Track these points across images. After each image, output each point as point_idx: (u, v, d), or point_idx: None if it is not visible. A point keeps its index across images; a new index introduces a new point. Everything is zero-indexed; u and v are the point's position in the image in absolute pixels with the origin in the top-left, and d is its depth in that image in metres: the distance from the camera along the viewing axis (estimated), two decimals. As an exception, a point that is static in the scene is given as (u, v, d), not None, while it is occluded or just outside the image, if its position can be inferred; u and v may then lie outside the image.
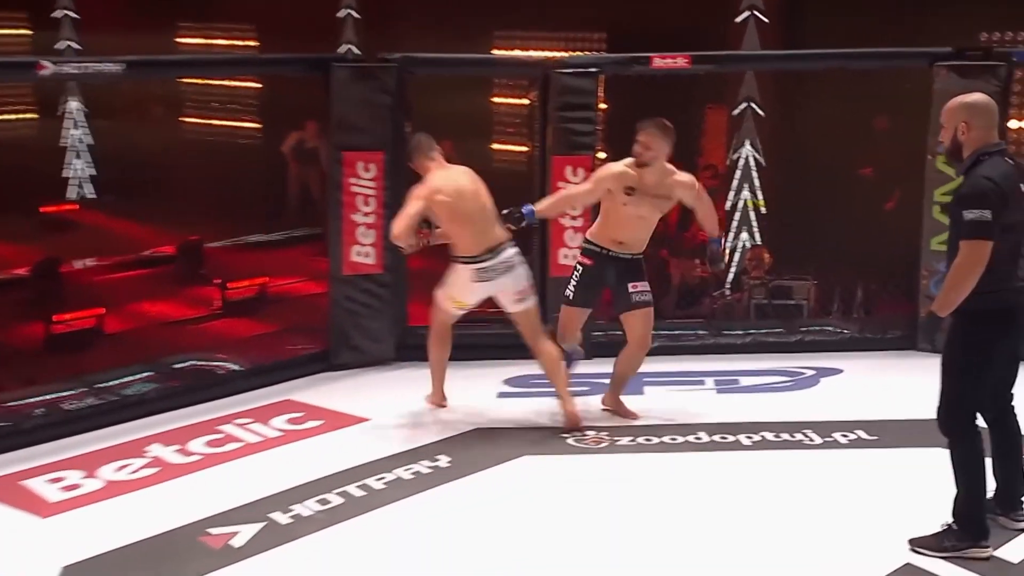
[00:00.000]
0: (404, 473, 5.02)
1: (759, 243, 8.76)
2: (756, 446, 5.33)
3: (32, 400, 5.76)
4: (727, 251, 8.56)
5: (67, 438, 5.50)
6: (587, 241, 5.73)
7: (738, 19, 8.80)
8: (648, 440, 5.41)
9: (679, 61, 6.75)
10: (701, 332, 7.06)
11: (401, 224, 5.37)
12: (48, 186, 11.09)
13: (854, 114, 8.09)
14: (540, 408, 5.90)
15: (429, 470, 5.07)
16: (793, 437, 5.42)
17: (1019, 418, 4.31)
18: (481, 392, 6.15)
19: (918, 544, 4.17)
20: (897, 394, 5.95)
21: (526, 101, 7.16)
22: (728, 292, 8.38)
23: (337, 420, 5.80)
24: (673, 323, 7.19)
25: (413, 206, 5.42)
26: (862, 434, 5.44)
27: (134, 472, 5.12)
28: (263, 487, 4.86)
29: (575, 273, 5.70)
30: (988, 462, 4.16)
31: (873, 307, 7.82)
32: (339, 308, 6.64)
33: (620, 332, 5.80)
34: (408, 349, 6.56)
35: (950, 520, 4.14)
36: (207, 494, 4.83)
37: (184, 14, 12.08)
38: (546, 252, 6.75)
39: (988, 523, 4.13)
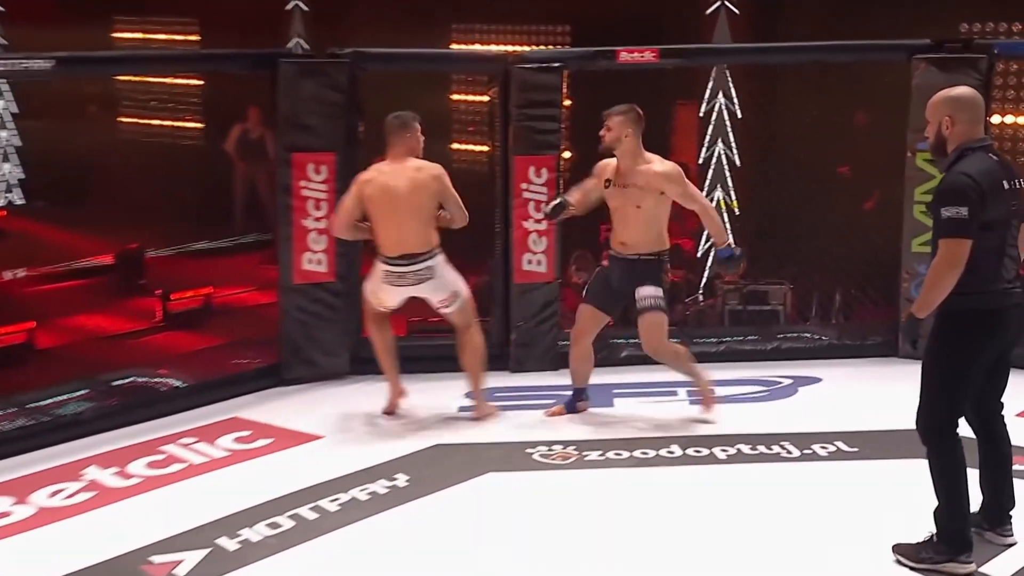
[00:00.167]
0: (360, 493, 5.01)
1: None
2: (731, 460, 5.36)
3: (-43, 422, 5.69)
4: (701, 253, 8.62)
5: (-3, 462, 5.44)
6: (606, 242, 6.02)
7: (709, 11, 8.87)
8: (618, 455, 5.43)
9: (647, 55, 6.80)
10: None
11: (338, 220, 5.84)
12: (-28, 192, 10.95)
13: (832, 110, 8.17)
14: (505, 422, 5.91)
15: (387, 490, 5.05)
16: (770, 450, 5.46)
17: (1009, 428, 4.34)
18: (441, 406, 6.15)
19: (899, 552, 4.22)
20: (878, 403, 6.01)
21: (486, 98, 7.17)
22: (701, 298, 8.43)
23: (288, 438, 5.78)
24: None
25: (347, 196, 5.75)
26: (842, 446, 5.49)
27: (69, 497, 5.06)
28: (209, 511, 4.83)
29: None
30: (973, 473, 4.21)
31: (852, 312, 7.89)
32: (290, 319, 6.62)
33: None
34: (363, 362, 6.55)
35: (934, 530, 4.19)
36: (149, 519, 4.79)
37: (120, 7, 12.00)
38: (508, 258, 6.77)
39: (971, 537, 4.16)
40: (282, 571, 4.36)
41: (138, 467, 5.39)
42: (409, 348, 6.92)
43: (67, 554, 4.47)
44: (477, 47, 10.61)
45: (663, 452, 5.45)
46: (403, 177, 5.70)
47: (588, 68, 7.00)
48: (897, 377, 6.17)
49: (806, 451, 5.43)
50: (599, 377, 6.16)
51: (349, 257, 6.59)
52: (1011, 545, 4.32)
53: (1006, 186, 4.02)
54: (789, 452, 5.43)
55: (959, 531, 4.13)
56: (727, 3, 8.85)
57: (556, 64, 6.76)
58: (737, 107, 8.93)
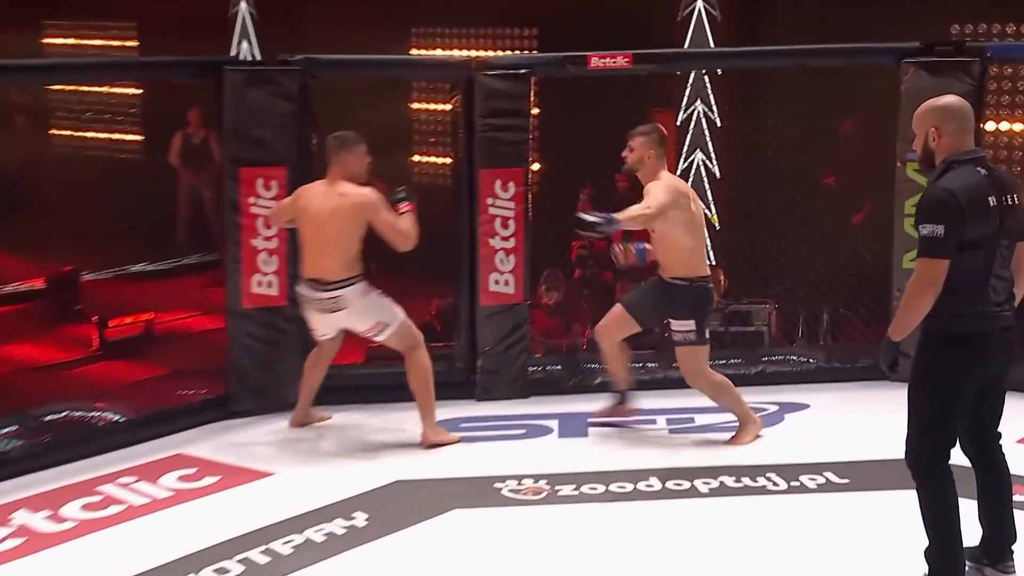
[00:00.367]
0: (315, 535, 4.98)
1: (713, 263, 8.86)
2: (714, 493, 5.38)
3: None
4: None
5: (-84, 506, 5.38)
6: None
7: (682, 12, 8.93)
8: (593, 489, 5.44)
9: (620, 60, 6.84)
10: (651, 365, 7.12)
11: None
12: None
13: (817, 118, 8.25)
14: (469, 454, 5.91)
15: (344, 530, 5.03)
16: (755, 482, 5.48)
17: (1009, 456, 4.34)
18: (400, 439, 6.14)
19: None
20: (870, 431, 6.05)
21: (449, 107, 7.19)
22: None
23: (237, 476, 5.74)
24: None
25: (287, 199, 6.13)
26: (832, 477, 5.52)
27: (-3, 543, 5.01)
28: (151, 556, 4.78)
29: None
30: (970, 504, 4.23)
31: (841, 333, 7.94)
32: (238, 346, 6.59)
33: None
34: (318, 392, 6.52)
35: (926, 570, 4.20)
36: (84, 567, 4.74)
37: (52, 11, 11.97)
38: (474, 279, 6.77)
39: (967, 574, 4.16)
40: (230, 621, 4.34)
41: (72, 510, 5.33)
42: (367, 376, 6.93)
43: (-5, 605, 4.44)
44: (438, 52, 10.65)
45: (641, 486, 5.46)
46: (328, 202, 5.84)
47: (557, 75, 7.02)
48: (889, 402, 6.12)
49: (794, 483, 5.46)
50: (570, 405, 6.17)
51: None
52: (1012, 583, 4.35)
53: (992, 203, 4.00)
54: (776, 484, 5.45)
55: (951, 572, 4.13)
56: (707, 6, 8.92)
57: (523, 70, 6.78)
58: (716, 115, 9.00)
